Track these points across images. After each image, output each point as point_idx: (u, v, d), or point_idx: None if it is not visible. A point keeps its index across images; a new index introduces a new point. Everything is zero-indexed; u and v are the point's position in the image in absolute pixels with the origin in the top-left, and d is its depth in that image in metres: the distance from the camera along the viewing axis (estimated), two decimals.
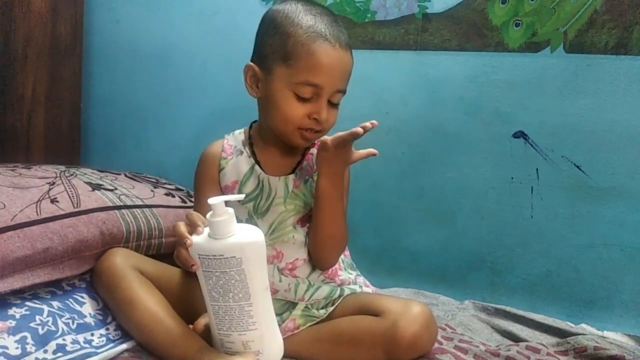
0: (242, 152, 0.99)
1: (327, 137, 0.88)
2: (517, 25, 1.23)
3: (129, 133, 1.64)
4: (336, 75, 0.88)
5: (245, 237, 0.75)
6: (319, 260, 0.97)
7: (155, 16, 1.58)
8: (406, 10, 1.32)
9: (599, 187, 1.18)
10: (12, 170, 0.98)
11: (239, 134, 1.02)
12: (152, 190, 1.14)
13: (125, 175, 1.20)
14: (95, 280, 0.93)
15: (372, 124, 0.84)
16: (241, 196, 0.82)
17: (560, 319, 1.12)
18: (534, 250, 1.23)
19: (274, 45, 0.90)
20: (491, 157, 1.26)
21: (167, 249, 1.06)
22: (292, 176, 0.96)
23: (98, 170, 1.17)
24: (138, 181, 1.18)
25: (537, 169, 1.22)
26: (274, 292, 0.93)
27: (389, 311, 0.86)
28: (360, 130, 0.83)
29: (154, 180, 1.25)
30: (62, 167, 1.11)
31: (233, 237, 0.74)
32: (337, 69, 0.88)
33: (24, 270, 0.81)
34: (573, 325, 1.10)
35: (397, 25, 1.33)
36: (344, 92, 0.92)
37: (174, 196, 1.17)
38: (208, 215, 0.75)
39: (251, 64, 0.93)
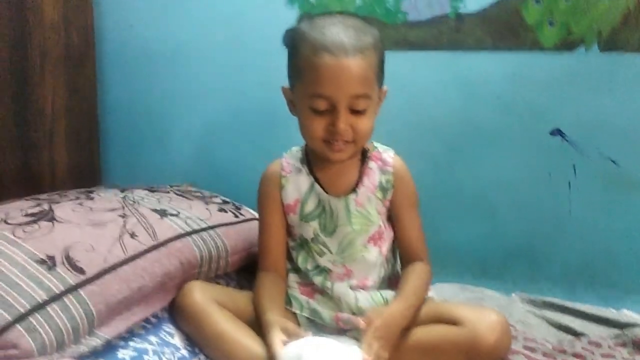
0: (300, 170, 1.00)
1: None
2: (551, 24, 1.26)
3: (147, 138, 1.61)
4: (342, 84, 0.86)
5: None
6: None
7: (169, 19, 1.53)
8: (438, 10, 1.32)
9: (635, 181, 1.24)
10: (79, 204, 0.95)
11: (297, 152, 1.02)
12: (206, 209, 1.13)
13: (175, 194, 1.18)
14: (178, 317, 0.94)
15: None
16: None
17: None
18: (573, 244, 1.29)
19: (292, 65, 0.93)
20: (528, 154, 1.30)
21: (231, 267, 1.07)
22: (352, 196, 0.97)
23: (148, 190, 1.15)
24: (189, 199, 1.17)
25: (573, 165, 1.27)
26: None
27: (467, 320, 0.89)
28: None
29: (199, 194, 1.24)
30: (118, 192, 1.09)
31: None
32: (340, 78, 0.86)
33: (122, 311, 0.81)
34: (615, 311, 1.17)
35: (429, 26, 1.34)
36: (364, 96, 0.88)
37: (226, 211, 1.17)
38: None
39: (284, 87, 0.95)
